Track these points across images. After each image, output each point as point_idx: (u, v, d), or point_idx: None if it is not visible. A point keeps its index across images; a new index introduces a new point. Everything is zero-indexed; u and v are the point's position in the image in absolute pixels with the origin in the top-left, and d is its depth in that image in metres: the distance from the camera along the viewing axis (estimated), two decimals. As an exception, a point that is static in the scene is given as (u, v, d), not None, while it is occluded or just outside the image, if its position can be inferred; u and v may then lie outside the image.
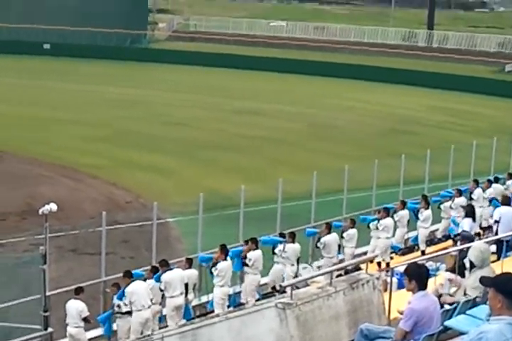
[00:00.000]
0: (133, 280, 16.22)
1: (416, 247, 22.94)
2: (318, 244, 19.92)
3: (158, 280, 16.81)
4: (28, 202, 28.79)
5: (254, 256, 18.45)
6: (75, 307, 15.63)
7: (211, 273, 17.63)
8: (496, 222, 19.06)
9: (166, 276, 16.78)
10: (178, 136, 40.90)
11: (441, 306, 10.64)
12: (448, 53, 74.42)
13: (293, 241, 19.40)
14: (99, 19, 77.53)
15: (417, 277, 8.76)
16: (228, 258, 17.80)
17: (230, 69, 68.11)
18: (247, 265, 18.43)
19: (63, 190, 30.45)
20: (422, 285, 8.78)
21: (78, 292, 15.87)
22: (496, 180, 25.12)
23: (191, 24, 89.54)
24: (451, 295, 11.94)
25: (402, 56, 73.73)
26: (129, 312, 15.95)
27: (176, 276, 16.94)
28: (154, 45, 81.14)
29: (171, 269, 16.95)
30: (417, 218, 22.73)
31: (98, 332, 16.85)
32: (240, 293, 18.84)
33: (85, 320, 15.85)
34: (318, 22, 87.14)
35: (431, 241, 23.71)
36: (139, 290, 15.88)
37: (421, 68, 66.25)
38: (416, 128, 46.10)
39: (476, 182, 24.61)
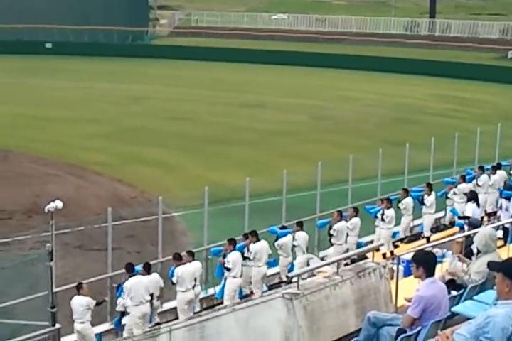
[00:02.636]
0: (132, 275, 16.23)
1: (422, 235, 22.92)
2: (332, 232, 20.04)
3: (172, 274, 16.78)
4: (33, 200, 28.79)
5: (255, 248, 18.51)
6: (79, 303, 15.67)
7: (224, 267, 17.69)
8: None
9: (179, 270, 16.78)
10: (182, 131, 40.86)
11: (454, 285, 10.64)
12: (450, 41, 74.28)
13: (301, 229, 19.59)
14: (101, 17, 77.57)
15: (425, 264, 8.70)
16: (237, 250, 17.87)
17: (232, 64, 68.08)
18: (248, 258, 18.44)
19: (69, 188, 30.44)
20: (430, 272, 8.73)
21: (79, 288, 15.90)
22: (499, 167, 25.12)
23: (192, 19, 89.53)
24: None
25: (405, 45, 73.58)
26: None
27: (188, 270, 16.93)
28: (156, 42, 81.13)
29: (183, 264, 16.94)
30: (423, 204, 22.73)
31: (106, 326, 16.85)
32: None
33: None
34: (318, 14, 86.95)
35: (437, 228, 23.70)
36: (138, 285, 15.85)
37: (424, 57, 66.15)
38: (419, 116, 46.00)
39: (482, 169, 24.60)
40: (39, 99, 49.88)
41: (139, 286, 16.22)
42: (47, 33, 77.09)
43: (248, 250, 18.44)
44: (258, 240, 18.63)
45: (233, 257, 17.70)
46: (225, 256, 17.78)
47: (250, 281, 18.84)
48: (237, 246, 18.25)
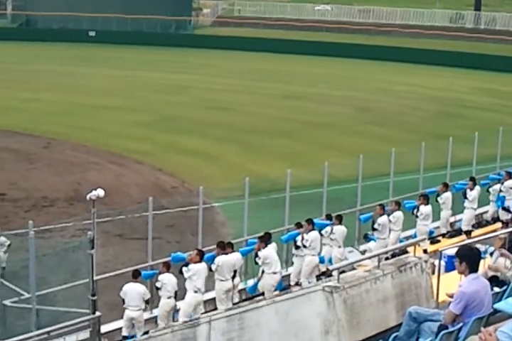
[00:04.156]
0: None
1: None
2: (376, 226, 19.92)
3: (212, 261, 16.82)
4: (75, 188, 29.04)
5: (311, 237, 18.43)
6: (137, 291, 15.73)
7: (256, 263, 17.55)
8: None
9: (220, 259, 16.78)
10: (223, 121, 40.89)
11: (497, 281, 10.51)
12: (496, 34, 73.38)
13: (340, 223, 19.47)
14: (144, 6, 77.80)
15: (469, 259, 8.59)
16: (270, 244, 17.63)
17: (275, 54, 67.96)
18: (304, 246, 18.34)
19: (110, 176, 30.65)
20: (474, 268, 8.62)
21: (136, 275, 15.98)
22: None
23: (235, 9, 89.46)
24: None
25: (450, 38, 72.85)
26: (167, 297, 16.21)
27: (229, 261, 16.97)
28: (199, 31, 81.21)
29: (225, 253, 16.96)
30: (466, 198, 22.50)
31: (146, 316, 16.89)
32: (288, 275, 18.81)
33: (147, 302, 16.08)
34: (362, 5, 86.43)
35: (479, 223, 23.45)
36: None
37: (468, 50, 65.45)
38: (463, 110, 45.57)
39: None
40: (83, 87, 50.26)
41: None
42: (91, 22, 77.59)
43: (303, 238, 18.33)
44: (313, 229, 18.56)
45: (265, 253, 17.46)
46: (256, 255, 17.51)
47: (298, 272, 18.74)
48: (290, 235, 18.17)
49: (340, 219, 19.63)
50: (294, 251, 18.85)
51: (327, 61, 65.36)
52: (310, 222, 18.73)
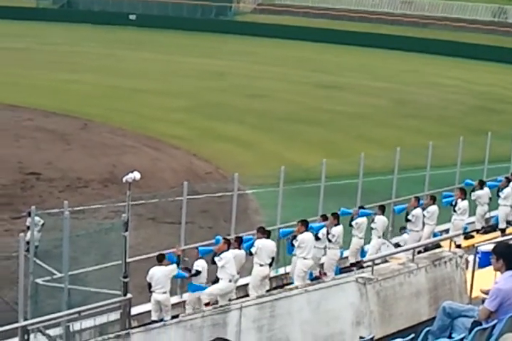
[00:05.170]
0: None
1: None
2: (410, 217, 19.86)
3: (250, 246, 16.89)
4: (110, 170, 29.17)
5: (337, 231, 18.46)
6: (162, 274, 15.74)
7: (292, 245, 17.59)
8: None
9: (260, 243, 16.84)
10: (260, 108, 40.83)
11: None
12: (539, 30, 72.41)
13: (382, 214, 19.60)
14: (185, -9, 77.81)
15: (506, 256, 8.50)
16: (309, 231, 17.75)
17: (314, 43, 67.74)
18: (329, 241, 18.35)
19: (145, 160, 30.73)
20: (510, 265, 8.51)
21: (161, 259, 15.99)
22: None
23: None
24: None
25: (492, 32, 72.03)
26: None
27: (268, 246, 17.04)
28: (239, 18, 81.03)
29: (266, 237, 17.03)
30: (498, 196, 22.33)
31: (175, 299, 16.93)
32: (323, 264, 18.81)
33: (187, 270, 16.30)
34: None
35: (515, 220, 23.21)
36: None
37: (510, 45, 64.67)
38: (503, 105, 45.09)
39: None
40: (123, 70, 50.48)
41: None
42: (131, 5, 77.77)
43: (328, 232, 18.31)
44: (338, 223, 18.55)
45: (304, 238, 17.54)
46: (295, 237, 17.63)
47: (320, 263, 18.74)
48: (314, 227, 18.14)
49: (382, 210, 19.77)
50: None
51: (366, 51, 65.02)
52: (336, 215, 18.68)
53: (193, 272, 16.22)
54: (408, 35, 69.21)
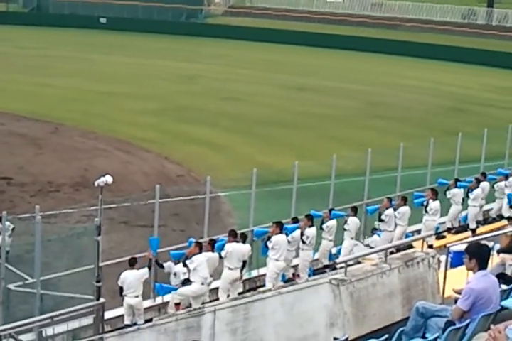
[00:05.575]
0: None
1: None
2: (383, 217, 19.95)
3: (221, 247, 16.85)
4: (81, 174, 29.01)
5: (311, 232, 18.50)
6: (134, 277, 15.71)
7: (266, 246, 17.59)
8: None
9: (230, 246, 16.81)
10: (233, 111, 40.78)
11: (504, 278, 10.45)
12: (508, 31, 73.00)
13: (355, 215, 19.69)
14: (156, -6, 77.58)
15: (478, 256, 8.57)
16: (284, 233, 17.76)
17: (285, 46, 67.74)
18: (303, 242, 18.38)
19: (117, 163, 30.60)
20: (483, 265, 8.58)
21: (133, 263, 15.94)
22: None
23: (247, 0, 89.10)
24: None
25: (461, 34, 72.51)
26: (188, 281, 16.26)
27: (240, 249, 17.02)
28: (210, 20, 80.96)
29: (236, 241, 16.99)
30: (468, 197, 22.50)
31: (149, 303, 16.89)
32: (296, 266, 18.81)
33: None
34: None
35: (485, 220, 23.39)
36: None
37: (480, 46, 65.14)
38: (473, 106, 45.38)
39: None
40: (94, 74, 50.19)
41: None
42: (102, 8, 77.41)
43: (302, 234, 18.33)
44: (312, 225, 18.57)
45: (279, 239, 17.56)
46: (269, 238, 17.65)
47: (292, 265, 18.76)
48: (289, 228, 18.16)
49: (355, 211, 19.87)
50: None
51: (337, 54, 65.14)
52: (310, 217, 18.71)
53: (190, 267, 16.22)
54: (378, 36, 69.44)
